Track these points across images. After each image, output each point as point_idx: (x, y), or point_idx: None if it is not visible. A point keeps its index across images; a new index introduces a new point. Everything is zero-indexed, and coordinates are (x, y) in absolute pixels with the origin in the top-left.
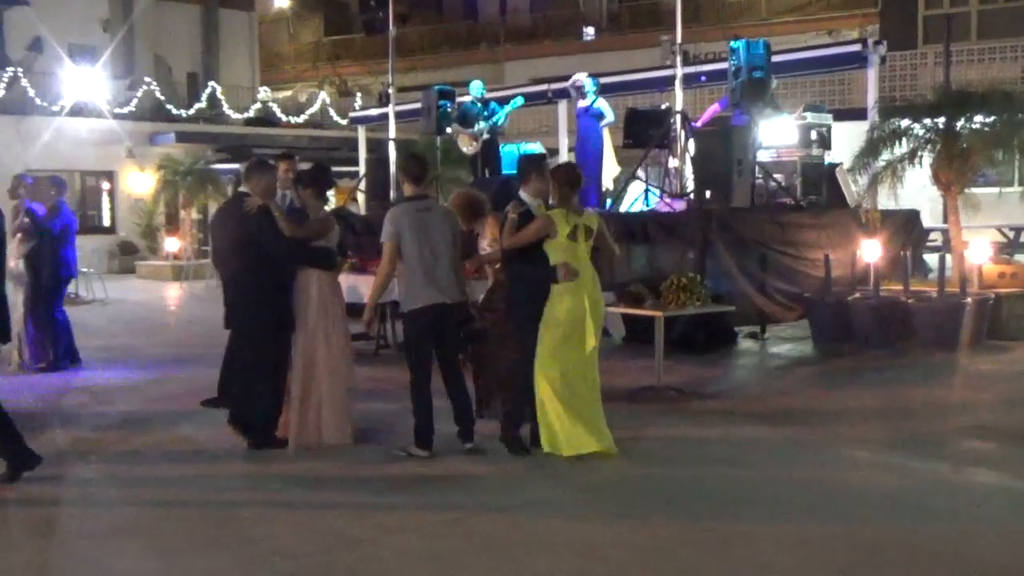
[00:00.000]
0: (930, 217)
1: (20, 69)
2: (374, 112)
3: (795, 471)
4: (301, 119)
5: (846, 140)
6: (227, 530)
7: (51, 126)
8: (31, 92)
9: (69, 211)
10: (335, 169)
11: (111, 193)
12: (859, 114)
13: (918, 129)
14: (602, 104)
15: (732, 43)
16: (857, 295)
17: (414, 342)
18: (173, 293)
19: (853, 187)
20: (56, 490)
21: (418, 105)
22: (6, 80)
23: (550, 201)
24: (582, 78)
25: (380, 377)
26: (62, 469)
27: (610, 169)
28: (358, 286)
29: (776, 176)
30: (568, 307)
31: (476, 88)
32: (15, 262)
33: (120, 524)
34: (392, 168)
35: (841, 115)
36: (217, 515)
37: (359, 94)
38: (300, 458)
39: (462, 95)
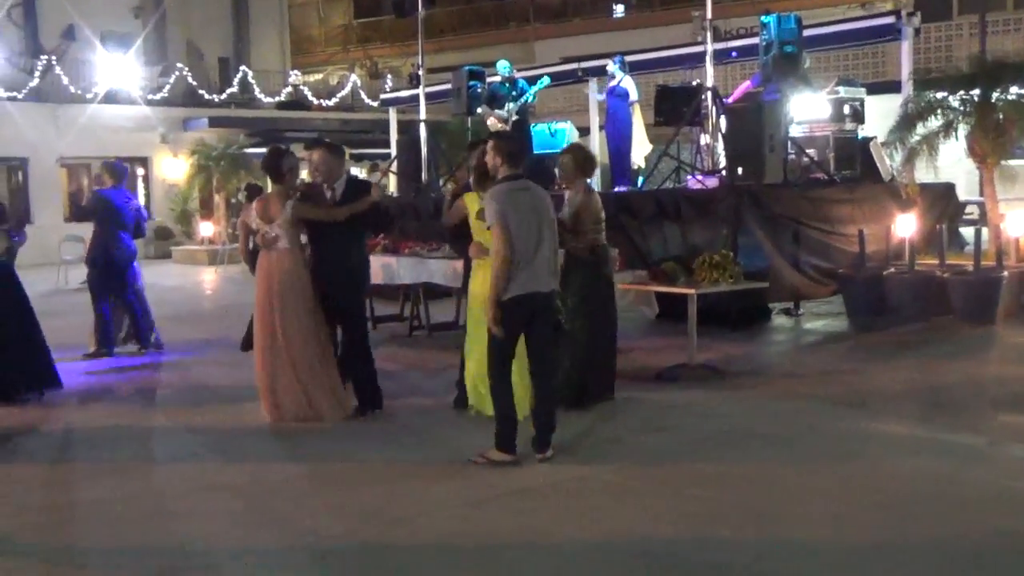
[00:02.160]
0: (966, 190)
1: (54, 57)
2: (405, 94)
3: (830, 447)
4: (332, 102)
5: (880, 114)
6: (263, 507)
7: (85, 113)
8: (65, 80)
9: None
10: (367, 151)
11: (145, 179)
12: (893, 87)
13: (953, 101)
14: (627, 83)
15: (763, 18)
16: (892, 270)
17: (507, 332)
18: (208, 278)
19: (887, 161)
20: (106, 462)
21: (448, 86)
22: (40, 68)
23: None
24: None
25: (413, 358)
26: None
27: (641, 147)
28: (391, 266)
29: (809, 151)
30: (480, 281)
31: (503, 67)
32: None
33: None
34: (424, 149)
35: (874, 88)
36: (252, 493)
37: (389, 76)
38: (337, 435)
39: (492, 75)
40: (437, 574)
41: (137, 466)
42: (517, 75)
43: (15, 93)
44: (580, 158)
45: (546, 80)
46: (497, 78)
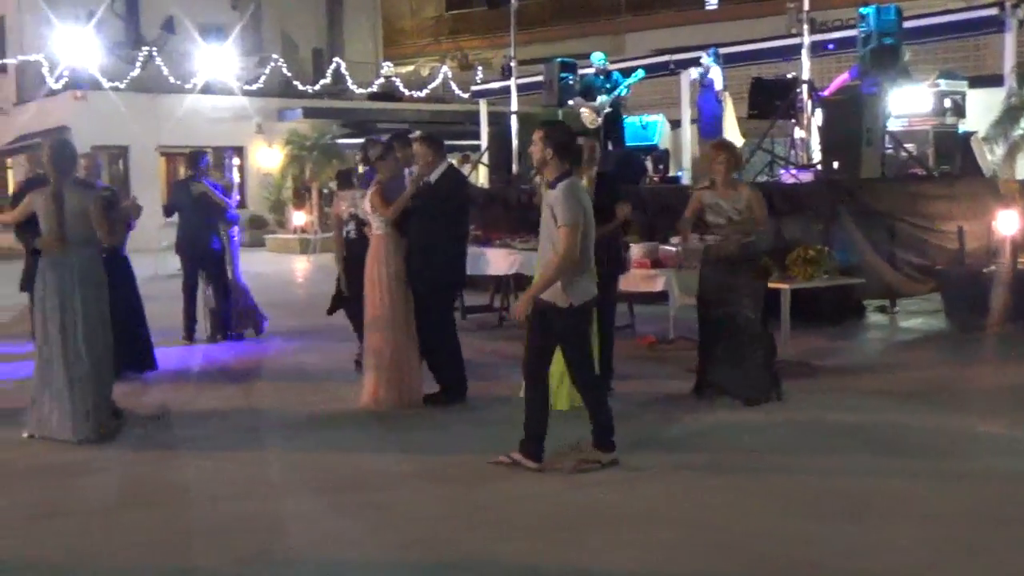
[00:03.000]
0: None
1: (154, 49)
2: (495, 85)
3: (923, 445)
4: (423, 93)
5: (982, 108)
6: (354, 495)
7: (184, 103)
8: (165, 71)
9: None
10: (457, 143)
11: (241, 168)
12: (995, 80)
13: None
14: (714, 72)
15: (862, 9)
16: (992, 267)
17: (586, 338)
18: (300, 266)
19: (989, 156)
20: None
21: (539, 78)
22: (141, 59)
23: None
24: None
25: (500, 349)
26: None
27: (733, 140)
28: (481, 256)
29: (907, 146)
30: None
31: (598, 59)
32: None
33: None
34: (515, 141)
35: (976, 82)
36: (342, 480)
37: (480, 68)
38: (420, 422)
39: (583, 67)
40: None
41: (233, 449)
42: (611, 67)
43: (117, 83)
44: (738, 153)
45: (641, 73)
46: (591, 70)
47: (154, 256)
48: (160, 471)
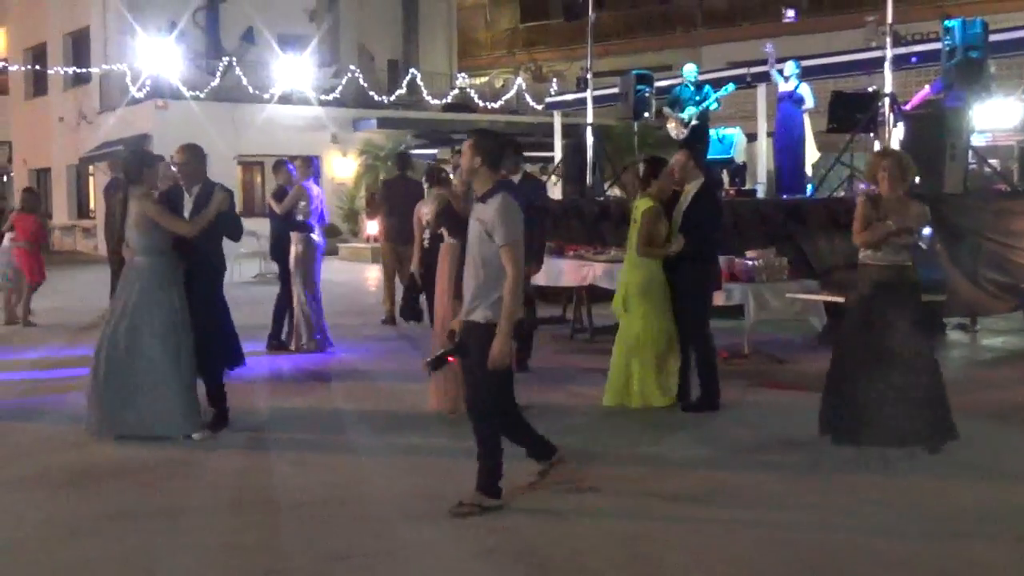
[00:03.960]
0: None
1: (234, 59)
2: (569, 97)
3: (997, 465)
4: (497, 105)
5: None
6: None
7: (262, 113)
8: (244, 80)
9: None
10: (531, 154)
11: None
12: None
13: None
14: (804, 90)
15: (947, 22)
16: None
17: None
18: (372, 275)
19: None
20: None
21: (614, 90)
22: (221, 69)
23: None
24: (773, 51)
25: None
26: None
27: (810, 154)
28: (554, 268)
29: (991, 161)
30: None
31: (690, 72)
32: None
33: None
34: (589, 153)
35: None
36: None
37: (554, 79)
38: None
39: (659, 79)
40: None
41: (320, 453)
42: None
43: (197, 92)
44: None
45: (731, 87)
46: (681, 81)
47: (231, 262)
48: (253, 473)
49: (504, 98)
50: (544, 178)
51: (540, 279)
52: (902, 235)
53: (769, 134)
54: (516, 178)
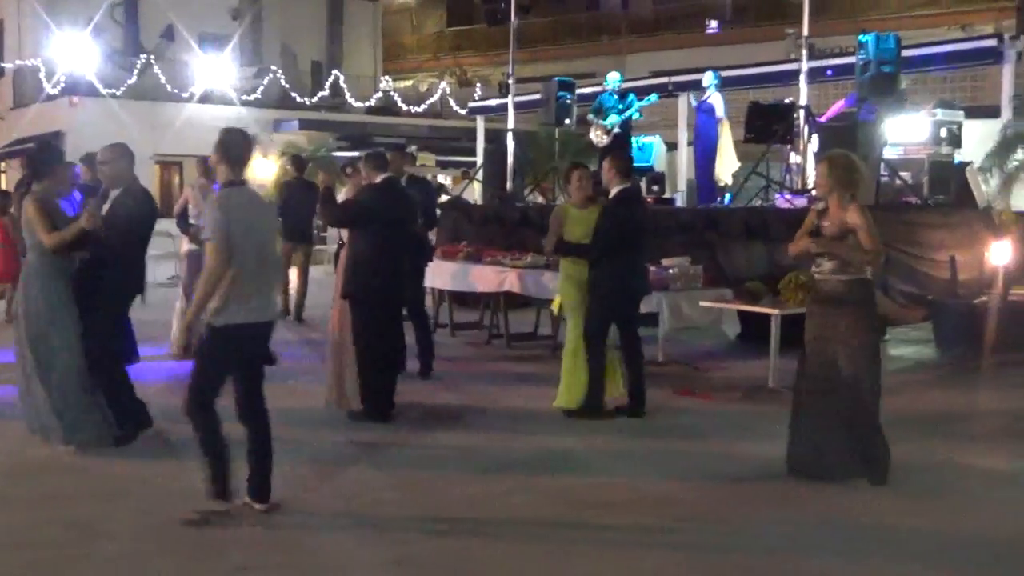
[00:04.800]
0: None
1: (152, 57)
2: (493, 102)
3: (919, 478)
4: (421, 108)
5: (977, 139)
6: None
7: (181, 112)
8: (162, 79)
9: None
10: (454, 159)
11: None
12: (992, 112)
13: None
14: (715, 99)
15: (861, 36)
16: (984, 298)
17: (216, 364)
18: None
19: (984, 187)
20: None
21: (537, 96)
22: (139, 67)
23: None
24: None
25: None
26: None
27: (729, 164)
28: (471, 273)
29: (902, 174)
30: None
31: (613, 80)
32: None
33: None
34: (510, 158)
35: (973, 112)
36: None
37: (479, 84)
38: None
39: (582, 87)
40: None
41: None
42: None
43: (114, 90)
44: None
45: (654, 97)
46: (605, 89)
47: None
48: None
49: (428, 102)
50: (466, 182)
51: (457, 285)
52: (833, 251)
53: (689, 143)
54: (403, 180)
